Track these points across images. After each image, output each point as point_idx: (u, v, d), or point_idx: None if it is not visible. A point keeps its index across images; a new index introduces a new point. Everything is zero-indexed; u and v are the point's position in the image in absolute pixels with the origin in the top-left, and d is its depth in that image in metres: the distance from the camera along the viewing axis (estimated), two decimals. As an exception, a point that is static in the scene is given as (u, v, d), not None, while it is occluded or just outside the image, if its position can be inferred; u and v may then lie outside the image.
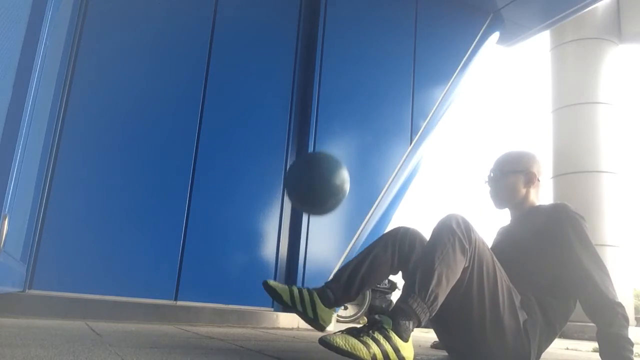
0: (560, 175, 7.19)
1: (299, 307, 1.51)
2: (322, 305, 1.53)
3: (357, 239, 3.53)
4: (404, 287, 1.41)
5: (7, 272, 1.83)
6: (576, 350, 3.21)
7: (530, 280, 1.60)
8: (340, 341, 1.17)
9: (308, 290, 1.56)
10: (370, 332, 1.22)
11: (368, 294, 6.12)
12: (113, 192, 2.90)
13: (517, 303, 1.53)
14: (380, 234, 3.68)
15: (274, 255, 3.34)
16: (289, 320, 3.22)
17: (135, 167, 2.99)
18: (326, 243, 3.49)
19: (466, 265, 1.43)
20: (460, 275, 1.43)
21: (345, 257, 3.48)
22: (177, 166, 3.12)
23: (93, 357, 1.15)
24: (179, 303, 2.95)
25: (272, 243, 3.36)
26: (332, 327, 3.47)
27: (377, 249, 1.65)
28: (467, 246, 1.41)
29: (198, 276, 3.04)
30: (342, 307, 5.77)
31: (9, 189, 1.39)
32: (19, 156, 1.46)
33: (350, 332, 1.22)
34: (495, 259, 1.52)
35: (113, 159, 2.95)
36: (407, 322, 1.28)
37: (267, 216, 3.39)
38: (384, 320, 1.26)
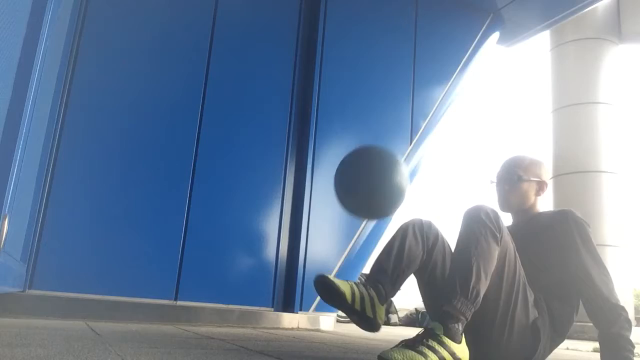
0: (560, 175, 7.19)
1: (358, 306, 1.36)
2: (379, 302, 1.40)
3: (357, 239, 3.53)
4: (446, 287, 1.41)
5: (7, 272, 1.83)
6: (576, 350, 3.21)
7: (539, 282, 1.60)
8: (398, 356, 1.20)
9: (365, 286, 1.41)
10: (425, 340, 1.26)
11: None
12: (113, 192, 2.90)
13: (531, 300, 1.54)
14: (381, 234, 3.65)
15: (274, 255, 3.34)
16: (289, 320, 3.23)
17: (135, 167, 2.99)
18: (326, 243, 3.49)
19: (498, 251, 1.45)
20: None
21: (346, 257, 3.48)
22: (177, 166, 3.12)
23: (93, 357, 1.15)
24: (179, 303, 2.95)
25: (272, 243, 3.36)
26: (332, 327, 3.47)
27: (410, 239, 1.54)
28: (497, 235, 1.44)
29: (198, 276, 3.04)
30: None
31: (9, 189, 1.39)
32: (19, 156, 1.46)
33: (406, 345, 1.25)
34: (517, 253, 1.54)
35: (113, 158, 2.95)
36: (456, 325, 1.31)
37: (267, 216, 3.39)
38: (435, 327, 1.30)
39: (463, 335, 1.33)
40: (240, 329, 2.81)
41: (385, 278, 1.46)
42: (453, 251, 1.50)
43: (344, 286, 1.36)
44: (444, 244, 1.62)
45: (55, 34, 1.96)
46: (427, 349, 1.24)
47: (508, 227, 1.85)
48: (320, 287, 1.38)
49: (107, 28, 3.05)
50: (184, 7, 3.32)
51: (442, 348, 1.26)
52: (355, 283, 1.40)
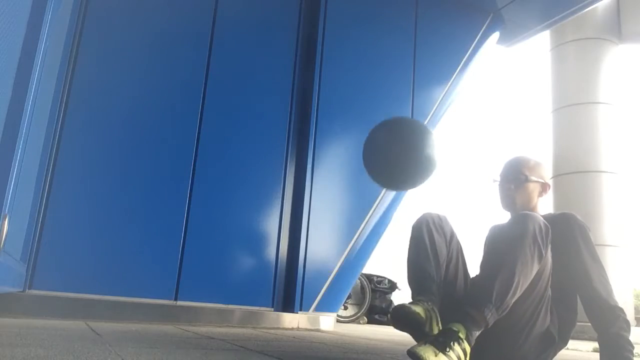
0: (560, 175, 7.18)
1: (428, 328, 1.34)
2: (437, 315, 1.40)
3: (357, 239, 3.53)
4: (478, 291, 1.40)
5: (7, 272, 1.83)
6: (576, 350, 3.21)
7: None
8: (434, 359, 1.21)
9: (425, 302, 1.38)
10: (452, 344, 1.26)
11: (368, 294, 6.12)
12: (113, 192, 2.90)
13: (549, 307, 1.55)
14: (381, 233, 3.64)
15: (274, 255, 3.34)
16: (289, 320, 3.23)
17: (135, 167, 2.99)
18: (326, 243, 3.49)
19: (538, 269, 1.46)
20: None
21: (346, 257, 3.48)
22: (177, 166, 3.12)
23: (93, 357, 1.15)
24: (179, 303, 2.95)
25: (272, 243, 3.36)
26: (332, 327, 3.47)
27: (436, 236, 1.53)
28: (544, 254, 1.44)
29: (198, 276, 3.04)
30: (342, 307, 5.77)
31: (9, 189, 1.39)
32: (19, 156, 1.46)
33: (435, 345, 1.25)
34: (552, 267, 1.53)
35: (113, 158, 2.95)
36: (477, 332, 1.34)
37: (267, 216, 3.39)
38: (460, 331, 1.30)
39: None
40: (240, 329, 2.81)
41: (434, 284, 1.46)
42: (493, 253, 1.48)
43: (422, 312, 1.33)
44: (457, 240, 1.62)
45: (55, 34, 1.96)
46: (453, 354, 1.25)
47: (502, 225, 1.85)
48: (399, 317, 1.34)
49: (107, 28, 3.05)
50: (184, 7, 3.32)
51: (460, 349, 1.27)
52: (422, 304, 1.36)
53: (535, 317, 1.50)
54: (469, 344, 1.30)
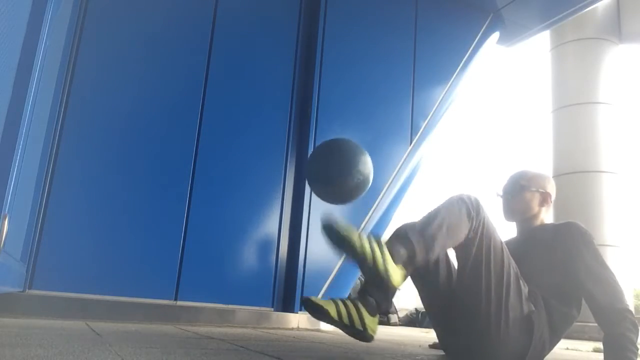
0: (560, 175, 7.18)
1: (346, 321, 1.39)
2: (369, 314, 1.43)
3: (357, 239, 3.53)
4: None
5: (7, 272, 1.83)
6: (576, 350, 3.21)
7: (540, 281, 1.61)
8: (341, 226, 1.31)
9: (351, 300, 1.44)
10: (368, 237, 1.34)
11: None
12: (113, 192, 2.90)
13: (525, 293, 1.54)
14: (380, 234, 3.67)
15: (274, 255, 3.34)
16: (289, 320, 3.23)
17: (135, 167, 2.99)
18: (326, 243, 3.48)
19: (470, 236, 1.49)
20: (466, 248, 1.50)
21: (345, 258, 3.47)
22: (177, 166, 3.12)
23: (93, 357, 1.15)
24: (179, 303, 2.95)
25: (272, 243, 3.36)
26: (332, 327, 3.47)
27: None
28: (473, 214, 1.48)
29: (198, 276, 3.04)
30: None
31: (9, 189, 1.39)
32: (19, 156, 1.46)
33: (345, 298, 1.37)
34: (504, 245, 1.56)
35: (113, 158, 2.95)
36: (400, 248, 1.38)
37: (267, 216, 3.39)
38: (380, 236, 1.36)
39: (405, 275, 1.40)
40: (240, 329, 2.81)
41: (376, 288, 1.49)
42: None
43: (328, 305, 1.40)
44: (446, 254, 1.64)
45: (55, 34, 1.96)
46: (366, 241, 1.32)
47: (513, 239, 1.87)
48: (308, 308, 1.42)
49: (107, 28, 3.05)
50: (184, 6, 3.32)
51: (377, 247, 1.33)
52: (341, 299, 1.43)
53: (505, 297, 1.49)
54: (392, 255, 1.34)
